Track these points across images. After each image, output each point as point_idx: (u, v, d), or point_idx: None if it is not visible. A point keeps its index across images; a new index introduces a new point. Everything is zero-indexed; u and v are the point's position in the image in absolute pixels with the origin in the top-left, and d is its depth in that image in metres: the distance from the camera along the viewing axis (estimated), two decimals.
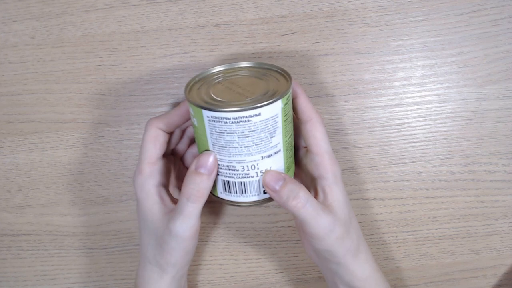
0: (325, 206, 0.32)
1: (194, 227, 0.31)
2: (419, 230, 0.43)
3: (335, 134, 0.41)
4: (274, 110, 0.28)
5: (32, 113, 0.40)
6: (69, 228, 0.42)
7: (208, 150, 0.30)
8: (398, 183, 0.42)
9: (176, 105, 0.40)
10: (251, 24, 0.39)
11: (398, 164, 0.42)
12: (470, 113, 0.41)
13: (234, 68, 0.33)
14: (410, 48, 0.40)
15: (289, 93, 0.29)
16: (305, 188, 0.31)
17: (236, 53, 0.39)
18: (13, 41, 0.38)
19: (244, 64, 0.33)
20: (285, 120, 0.30)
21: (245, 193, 0.32)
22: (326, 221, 0.31)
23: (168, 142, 0.35)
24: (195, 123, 0.30)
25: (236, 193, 0.32)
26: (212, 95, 0.29)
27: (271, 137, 0.29)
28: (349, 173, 0.42)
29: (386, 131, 0.41)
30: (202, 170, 0.29)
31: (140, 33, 0.38)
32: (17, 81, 0.39)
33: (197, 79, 0.32)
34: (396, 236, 0.44)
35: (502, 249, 0.44)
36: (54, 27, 0.38)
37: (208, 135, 0.29)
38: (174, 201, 0.34)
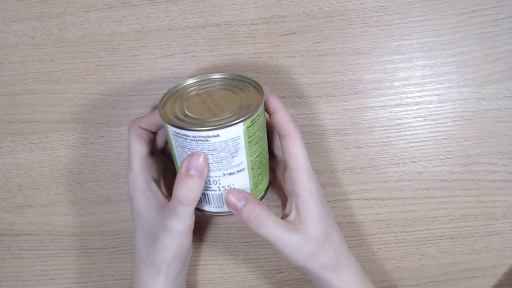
0: (295, 223, 0.32)
1: (189, 224, 0.32)
2: (419, 230, 0.43)
3: (335, 134, 0.41)
4: (235, 133, 0.28)
5: (32, 113, 0.40)
6: (69, 228, 0.42)
7: (197, 151, 0.30)
8: (398, 183, 0.42)
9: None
10: (251, 24, 0.39)
11: (398, 164, 0.42)
12: (470, 113, 0.41)
13: (215, 79, 0.33)
14: (410, 48, 0.40)
15: (254, 116, 0.29)
16: (266, 208, 0.31)
17: (236, 53, 0.39)
18: (13, 41, 0.38)
19: (227, 76, 0.33)
20: (249, 141, 0.30)
21: (209, 203, 0.32)
22: (290, 240, 0.31)
23: (155, 141, 0.36)
24: (166, 132, 0.31)
25: (201, 202, 0.33)
26: (185, 108, 0.30)
27: (232, 157, 0.29)
28: (349, 173, 0.42)
29: (386, 131, 0.41)
30: (193, 172, 0.29)
31: (140, 33, 0.38)
32: (17, 81, 0.39)
33: (179, 87, 0.33)
34: (396, 236, 0.44)
35: (502, 249, 0.44)
36: (54, 27, 0.38)
37: (174, 148, 0.30)
38: (166, 196, 0.34)
